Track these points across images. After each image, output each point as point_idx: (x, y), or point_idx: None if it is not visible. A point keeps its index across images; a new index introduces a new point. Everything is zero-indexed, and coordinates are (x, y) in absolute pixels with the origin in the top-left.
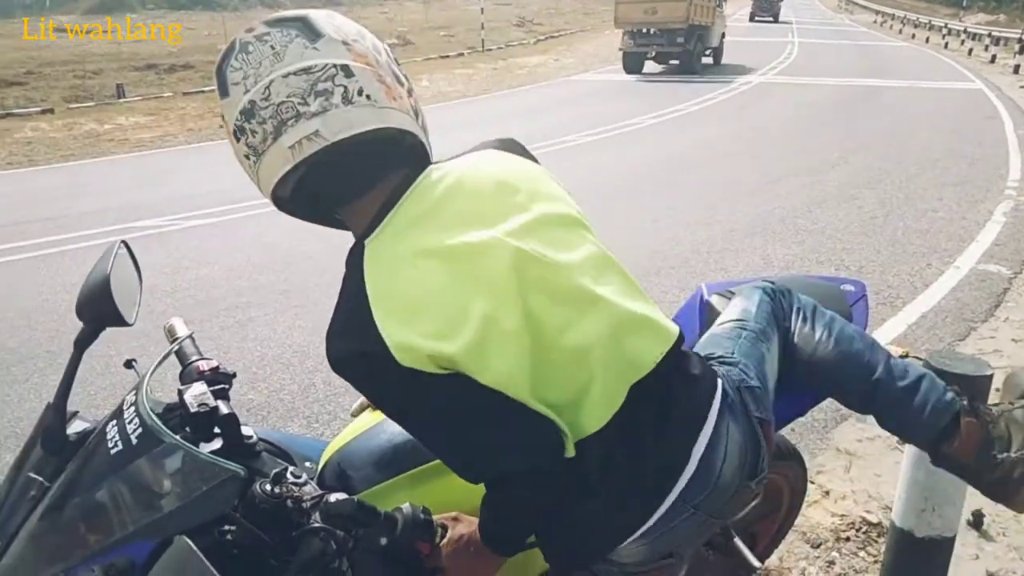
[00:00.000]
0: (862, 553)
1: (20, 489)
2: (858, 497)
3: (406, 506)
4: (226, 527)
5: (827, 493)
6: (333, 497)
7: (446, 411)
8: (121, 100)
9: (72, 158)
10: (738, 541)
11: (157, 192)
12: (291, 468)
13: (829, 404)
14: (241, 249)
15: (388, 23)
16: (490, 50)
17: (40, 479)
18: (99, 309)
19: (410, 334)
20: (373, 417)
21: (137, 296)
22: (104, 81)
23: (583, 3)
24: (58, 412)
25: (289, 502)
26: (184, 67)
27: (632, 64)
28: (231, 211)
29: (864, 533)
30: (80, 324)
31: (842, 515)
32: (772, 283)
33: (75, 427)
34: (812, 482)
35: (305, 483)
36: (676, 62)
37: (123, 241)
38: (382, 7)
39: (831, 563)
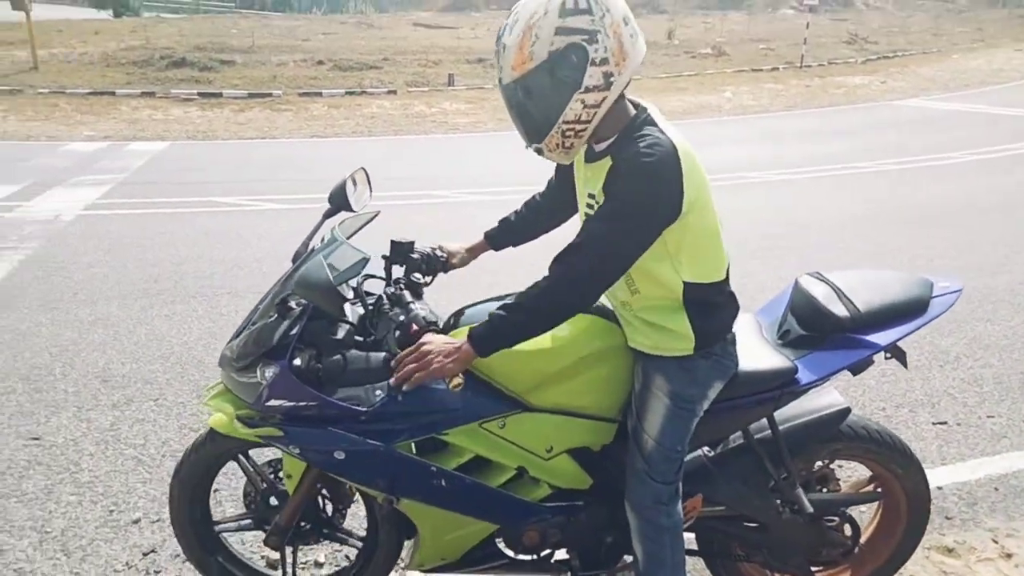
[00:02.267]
0: None
1: (281, 282)
2: None
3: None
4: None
5: (1008, 556)
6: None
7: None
8: (450, 88)
9: (400, 133)
10: (801, 492)
11: (455, 169)
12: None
13: None
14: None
15: (706, 32)
16: (809, 66)
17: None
18: (338, 198)
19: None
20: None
21: (366, 199)
22: (440, 71)
23: (936, 23)
24: (304, 246)
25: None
26: None
27: None
28: (505, 192)
29: None
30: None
31: None
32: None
33: None
34: (995, 541)
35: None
36: None
37: (363, 168)
38: (706, 17)
39: None
